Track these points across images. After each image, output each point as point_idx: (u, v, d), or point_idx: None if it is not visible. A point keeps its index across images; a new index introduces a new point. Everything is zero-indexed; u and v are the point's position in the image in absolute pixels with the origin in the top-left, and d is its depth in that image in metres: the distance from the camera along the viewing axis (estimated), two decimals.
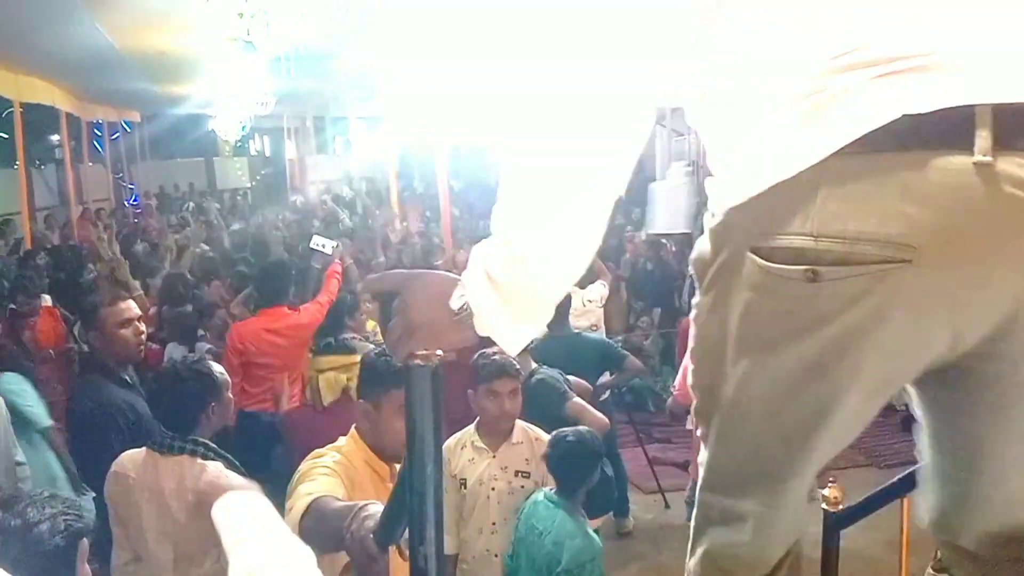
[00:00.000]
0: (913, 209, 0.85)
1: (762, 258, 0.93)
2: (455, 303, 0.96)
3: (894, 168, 0.85)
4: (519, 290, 0.93)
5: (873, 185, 0.86)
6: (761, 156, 0.92)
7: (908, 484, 2.13)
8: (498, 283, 0.92)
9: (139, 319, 3.14)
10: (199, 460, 2.33)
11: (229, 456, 2.42)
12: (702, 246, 1.05)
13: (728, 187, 0.99)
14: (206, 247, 8.28)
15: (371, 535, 1.43)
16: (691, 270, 1.09)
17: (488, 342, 0.98)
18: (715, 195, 1.02)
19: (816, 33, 0.87)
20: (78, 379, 2.84)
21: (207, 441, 2.40)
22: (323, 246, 5.29)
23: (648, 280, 8.47)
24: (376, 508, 1.47)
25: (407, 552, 1.06)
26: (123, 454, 2.41)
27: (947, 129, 0.83)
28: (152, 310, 5.10)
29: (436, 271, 1.08)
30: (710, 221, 1.03)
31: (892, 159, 0.85)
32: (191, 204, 17.29)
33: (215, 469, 2.33)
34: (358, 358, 3.34)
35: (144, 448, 2.39)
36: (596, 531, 2.80)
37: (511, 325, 0.94)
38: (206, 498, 2.27)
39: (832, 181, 0.87)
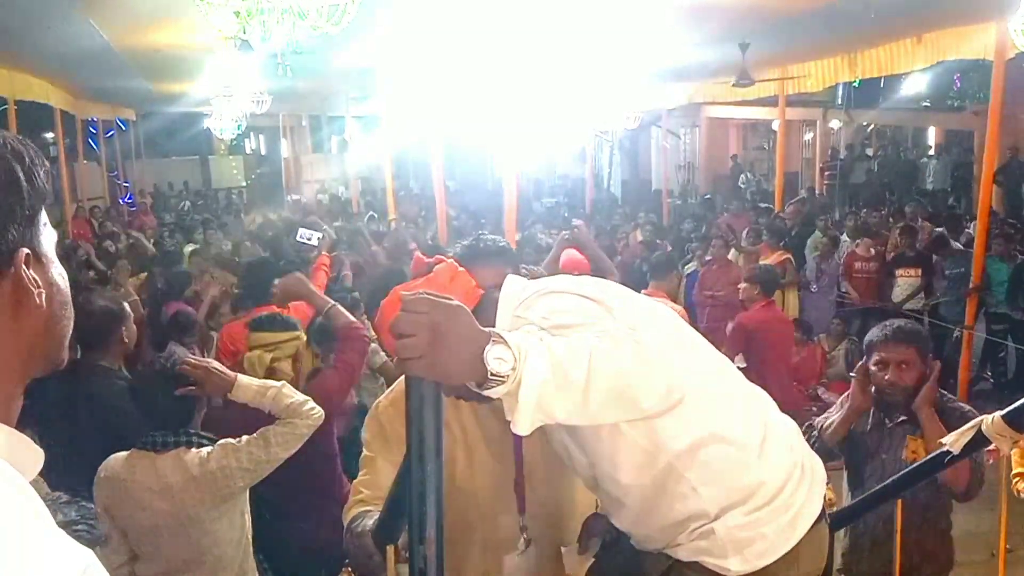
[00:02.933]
0: None
1: None
2: (494, 366, 1.05)
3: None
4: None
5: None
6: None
7: (902, 485, 2.14)
8: (574, 382, 1.12)
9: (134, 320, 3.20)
10: (194, 449, 2.36)
11: (216, 438, 2.43)
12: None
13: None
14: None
15: (369, 532, 1.43)
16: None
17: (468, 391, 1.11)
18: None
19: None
20: (90, 379, 2.81)
21: (196, 430, 2.43)
22: (309, 238, 5.20)
23: (644, 281, 8.46)
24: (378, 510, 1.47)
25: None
26: (108, 459, 2.41)
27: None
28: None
29: (467, 310, 1.10)
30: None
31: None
32: (187, 203, 17.25)
33: (215, 448, 2.36)
34: (288, 336, 3.03)
35: (130, 451, 2.39)
36: None
37: (547, 412, 1.12)
38: (216, 477, 2.30)
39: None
